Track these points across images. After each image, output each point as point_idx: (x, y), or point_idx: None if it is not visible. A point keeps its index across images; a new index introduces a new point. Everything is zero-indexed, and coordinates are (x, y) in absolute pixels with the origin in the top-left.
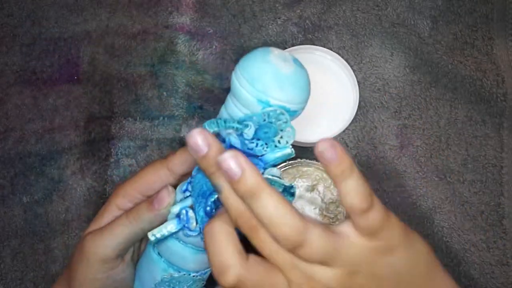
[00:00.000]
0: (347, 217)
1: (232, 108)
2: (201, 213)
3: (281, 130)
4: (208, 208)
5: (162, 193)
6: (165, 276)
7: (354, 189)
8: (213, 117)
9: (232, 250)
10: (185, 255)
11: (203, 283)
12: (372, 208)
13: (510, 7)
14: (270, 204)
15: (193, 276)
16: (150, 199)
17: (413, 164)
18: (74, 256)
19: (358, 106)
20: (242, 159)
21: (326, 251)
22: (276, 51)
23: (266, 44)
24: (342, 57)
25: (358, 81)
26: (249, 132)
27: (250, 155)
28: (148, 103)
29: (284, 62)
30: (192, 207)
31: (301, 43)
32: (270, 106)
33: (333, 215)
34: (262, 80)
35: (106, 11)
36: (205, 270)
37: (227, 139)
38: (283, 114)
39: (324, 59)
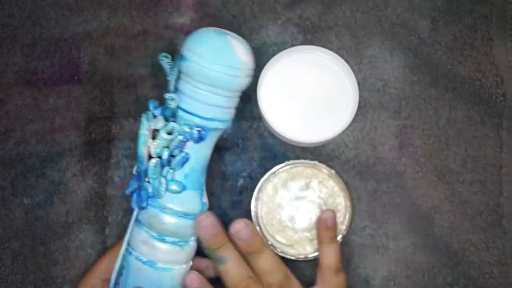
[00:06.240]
0: None
1: None
2: None
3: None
4: None
5: None
6: None
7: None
8: None
9: None
10: None
11: None
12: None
13: (510, 7)
14: (270, 256)
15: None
16: None
17: (413, 164)
18: None
19: (358, 106)
20: (251, 226)
21: None
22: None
23: (266, 44)
24: (342, 57)
25: (358, 82)
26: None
27: None
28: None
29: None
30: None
31: (301, 43)
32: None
33: (332, 208)
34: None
35: (106, 12)
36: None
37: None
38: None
39: (324, 59)
